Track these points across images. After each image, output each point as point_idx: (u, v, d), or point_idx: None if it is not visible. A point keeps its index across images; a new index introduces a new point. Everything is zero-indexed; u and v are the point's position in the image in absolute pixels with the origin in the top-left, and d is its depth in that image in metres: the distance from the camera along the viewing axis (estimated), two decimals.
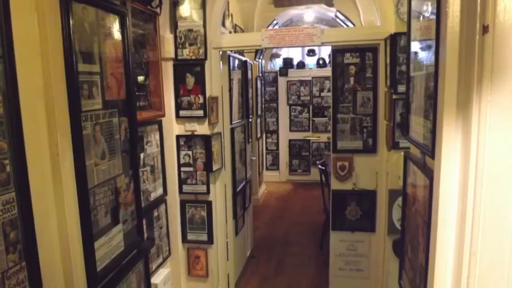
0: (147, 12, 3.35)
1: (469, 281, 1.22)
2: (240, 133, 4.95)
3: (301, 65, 9.87)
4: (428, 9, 1.72)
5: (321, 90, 9.57)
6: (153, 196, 3.48)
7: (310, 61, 10.07)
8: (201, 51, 3.72)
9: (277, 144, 9.86)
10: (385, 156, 3.84)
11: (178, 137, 3.86)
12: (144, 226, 2.99)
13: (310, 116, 9.71)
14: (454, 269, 1.29)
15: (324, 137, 9.52)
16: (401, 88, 3.39)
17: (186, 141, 3.87)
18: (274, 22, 7.62)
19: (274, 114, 9.78)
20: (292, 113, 9.78)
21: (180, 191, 3.94)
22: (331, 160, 4.28)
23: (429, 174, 1.54)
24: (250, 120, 5.82)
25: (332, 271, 4.42)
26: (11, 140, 1.47)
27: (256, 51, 7.38)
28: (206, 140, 3.84)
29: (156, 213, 3.57)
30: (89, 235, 1.88)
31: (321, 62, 9.72)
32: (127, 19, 2.26)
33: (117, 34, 2.21)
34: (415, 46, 2.00)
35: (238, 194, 4.83)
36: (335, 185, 4.24)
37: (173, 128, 3.83)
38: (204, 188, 3.92)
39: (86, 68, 1.89)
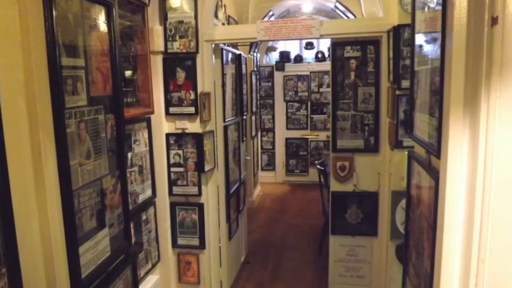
0: (135, 2, 3.34)
1: None
2: (233, 131, 4.95)
3: (299, 58, 9.87)
4: None
5: (320, 85, 9.59)
6: (141, 198, 3.48)
7: (308, 55, 10.08)
8: (192, 44, 3.71)
9: (273, 143, 9.86)
10: (388, 155, 3.85)
11: (168, 135, 3.85)
12: (132, 230, 2.99)
13: (308, 113, 9.72)
14: (461, 276, 1.29)
15: (322, 136, 9.54)
16: (405, 83, 3.40)
17: (176, 139, 3.86)
18: (270, 13, 7.61)
19: (270, 111, 9.79)
20: (289, 110, 9.79)
21: (170, 193, 3.94)
22: (330, 160, 4.29)
23: (435, 174, 1.55)
24: (245, 117, 5.82)
25: (331, 277, 4.43)
26: None
27: (251, 44, 7.37)
28: (198, 138, 3.83)
29: (144, 217, 3.57)
30: (73, 240, 1.87)
31: (319, 55, 9.74)
32: (113, 10, 2.25)
33: (103, 26, 2.20)
34: (419, 39, 2.01)
35: (232, 196, 4.83)
36: (335, 186, 4.25)
37: (163, 125, 3.82)
38: (195, 190, 3.91)
39: (70, 62, 1.88)
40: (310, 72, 9.61)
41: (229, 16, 5.86)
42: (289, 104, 9.78)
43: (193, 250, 4.05)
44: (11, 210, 1.52)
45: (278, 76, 9.72)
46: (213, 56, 4.12)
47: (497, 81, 1.12)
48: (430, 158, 1.72)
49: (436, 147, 1.53)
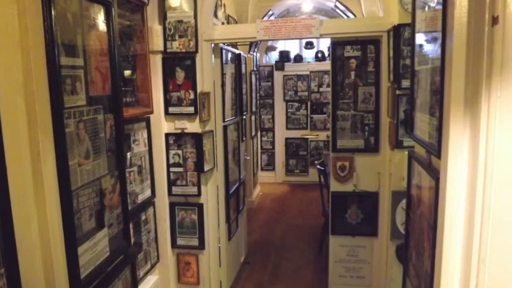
0: (134, 2, 3.34)
1: None
2: (233, 131, 4.95)
3: (299, 58, 9.87)
4: None
5: (320, 85, 9.59)
6: (140, 198, 3.47)
7: (308, 54, 10.07)
8: (192, 43, 3.71)
9: (272, 143, 9.86)
10: (388, 155, 3.85)
11: (167, 135, 3.85)
12: (131, 230, 2.99)
13: (308, 112, 9.72)
14: (462, 277, 1.29)
15: (322, 135, 9.54)
16: (406, 83, 3.39)
17: (175, 139, 3.86)
18: (270, 13, 7.61)
19: (269, 111, 9.79)
20: (289, 110, 9.79)
21: (170, 193, 3.93)
22: (330, 160, 4.29)
23: (435, 174, 1.55)
24: (244, 117, 5.81)
25: (331, 278, 4.43)
26: None
27: (251, 44, 7.37)
28: (197, 138, 3.83)
29: (143, 217, 3.57)
30: (72, 240, 1.88)
31: (319, 55, 9.73)
32: (113, 9, 2.25)
33: (102, 25, 2.20)
34: (420, 38, 2.01)
35: (232, 196, 4.83)
36: (335, 186, 4.25)
37: (162, 125, 3.82)
38: (194, 190, 3.91)
39: (69, 61, 1.88)
40: (310, 72, 9.60)
41: (228, 15, 5.86)
42: (289, 103, 9.78)
43: (193, 250, 4.05)
44: (9, 210, 1.52)
45: (278, 76, 9.72)
46: (213, 55, 4.11)
47: (497, 81, 1.12)
48: (431, 158, 1.72)
49: (436, 147, 1.53)
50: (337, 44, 4.09)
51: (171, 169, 3.90)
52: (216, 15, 4.72)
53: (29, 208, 1.70)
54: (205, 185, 3.99)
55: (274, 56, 10.26)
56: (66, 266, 1.86)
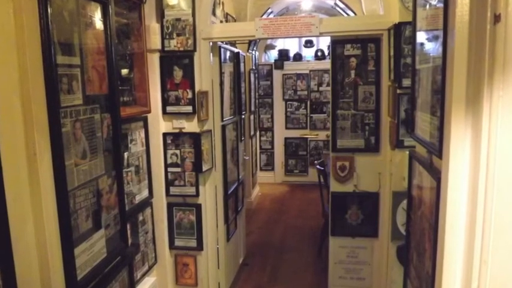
0: None
1: None
2: (231, 131, 4.95)
3: (298, 57, 9.86)
4: None
5: (320, 84, 9.58)
6: (137, 199, 3.47)
7: (308, 53, 10.07)
8: (190, 42, 3.71)
9: (272, 143, 9.85)
10: (389, 155, 3.86)
11: (165, 134, 3.85)
12: (128, 231, 2.99)
13: (308, 112, 9.71)
14: (463, 278, 1.29)
15: (322, 135, 9.53)
16: (406, 82, 3.39)
17: (173, 139, 3.86)
18: (269, 11, 7.62)
19: (268, 111, 9.78)
20: (288, 109, 9.79)
21: (167, 193, 3.93)
22: (330, 160, 4.29)
23: (436, 175, 1.55)
24: (243, 116, 5.82)
25: (331, 280, 4.43)
26: None
27: (250, 42, 7.37)
28: (195, 138, 3.83)
29: (141, 217, 3.56)
30: (69, 241, 1.87)
31: (319, 53, 9.73)
32: (110, 7, 2.25)
33: (99, 24, 2.20)
34: (421, 37, 2.01)
35: (230, 197, 4.83)
36: (334, 186, 4.25)
37: (159, 125, 3.82)
38: (192, 190, 3.91)
39: (66, 60, 1.88)
40: (310, 71, 9.59)
41: (227, 14, 5.86)
42: (288, 103, 9.77)
43: (191, 251, 4.05)
44: (5, 211, 1.52)
45: (277, 75, 9.70)
46: (211, 54, 4.11)
47: (499, 80, 1.12)
48: (432, 158, 1.72)
49: (437, 147, 1.53)
50: (337, 43, 4.09)
51: (169, 169, 3.90)
52: (214, 14, 4.72)
53: (25, 209, 1.70)
54: (203, 186, 3.99)
55: (273, 54, 10.25)
56: (63, 267, 1.86)
